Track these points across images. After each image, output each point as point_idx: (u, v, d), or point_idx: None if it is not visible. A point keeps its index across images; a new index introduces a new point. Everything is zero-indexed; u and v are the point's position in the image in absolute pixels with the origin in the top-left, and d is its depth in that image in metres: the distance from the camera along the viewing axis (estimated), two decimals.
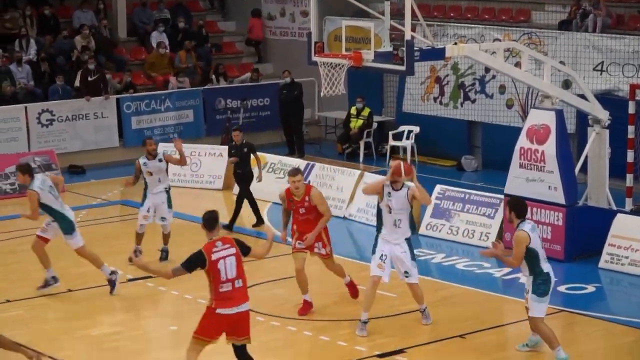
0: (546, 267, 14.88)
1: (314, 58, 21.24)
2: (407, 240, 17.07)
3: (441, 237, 22.84)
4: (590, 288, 19.78)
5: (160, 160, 21.17)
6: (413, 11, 19.75)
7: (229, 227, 23.32)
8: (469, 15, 31.35)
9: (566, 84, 24.12)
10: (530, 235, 14.60)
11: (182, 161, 21.90)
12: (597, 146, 22.02)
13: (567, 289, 19.54)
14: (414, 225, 17.52)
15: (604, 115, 21.81)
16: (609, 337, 17.60)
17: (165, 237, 21.60)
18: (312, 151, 30.52)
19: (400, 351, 16.50)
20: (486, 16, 31.04)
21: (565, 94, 22.45)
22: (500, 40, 25.57)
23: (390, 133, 30.48)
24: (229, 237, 14.47)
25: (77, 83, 31.08)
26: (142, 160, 21.19)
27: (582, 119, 23.46)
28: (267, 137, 31.31)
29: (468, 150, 29.98)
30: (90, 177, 28.91)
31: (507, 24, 30.00)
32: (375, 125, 30.63)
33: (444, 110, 30.16)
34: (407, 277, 17.04)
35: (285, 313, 18.21)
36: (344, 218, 24.62)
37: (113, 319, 18.36)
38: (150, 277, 19.21)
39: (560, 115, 21.21)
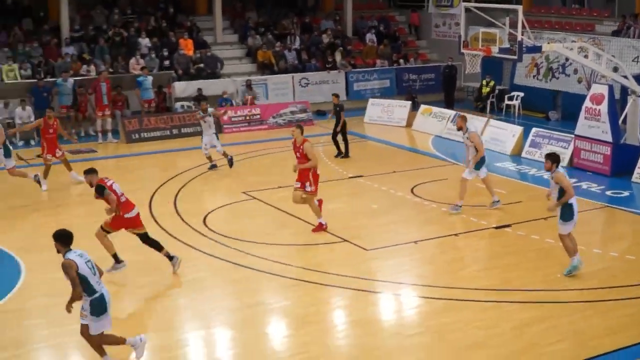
0: (571, 200, 13.37)
1: (462, 50, 21.42)
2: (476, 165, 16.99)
3: (535, 159, 22.20)
4: (626, 193, 19.08)
5: (210, 115, 21.11)
6: (522, 23, 19.63)
7: (346, 154, 22.77)
8: (556, 26, 30.43)
9: (615, 69, 23.12)
10: (566, 173, 13.43)
11: (222, 117, 23.08)
12: (633, 107, 21.34)
13: (611, 193, 18.90)
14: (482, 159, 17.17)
15: (638, 88, 21.13)
16: (636, 223, 17.01)
17: (219, 154, 21.41)
18: (458, 106, 29.97)
19: (507, 225, 16.24)
20: (567, 27, 30.11)
21: (614, 75, 21.76)
22: (575, 41, 24.77)
23: (506, 96, 29.78)
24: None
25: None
26: (200, 114, 21.32)
27: (624, 90, 22.52)
28: (433, 97, 30.81)
29: (553, 108, 29.08)
30: (329, 117, 29.06)
31: (580, 32, 28.96)
32: (497, 91, 29.91)
33: (539, 83, 29.24)
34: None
35: (443, 199, 17.95)
36: None
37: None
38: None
39: (611, 88, 20.81)
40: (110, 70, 27.65)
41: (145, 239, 13.89)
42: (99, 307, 10.03)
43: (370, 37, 33.66)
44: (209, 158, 21.31)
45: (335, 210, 17.51)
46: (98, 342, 10.27)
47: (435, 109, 27.13)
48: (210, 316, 12.39)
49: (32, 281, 13.65)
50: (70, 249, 10.04)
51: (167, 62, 29.00)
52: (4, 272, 14.03)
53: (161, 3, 32.04)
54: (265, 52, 30.75)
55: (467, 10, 22.59)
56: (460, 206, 17.11)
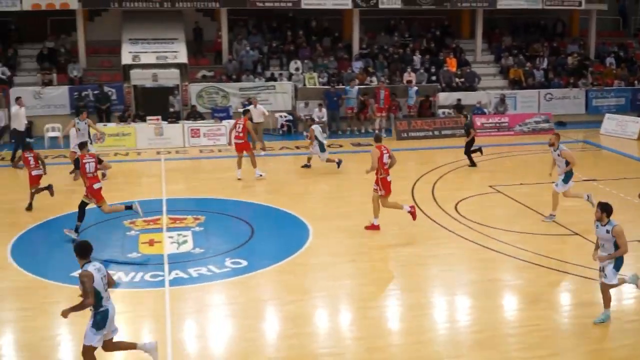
0: None
1: None
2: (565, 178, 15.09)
3: None
4: None
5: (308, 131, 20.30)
6: None
7: (473, 164, 20.80)
8: None
9: None
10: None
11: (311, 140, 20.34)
12: None
13: None
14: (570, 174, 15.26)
15: None
16: None
17: (328, 159, 20.16)
18: None
19: None
20: None
21: None
22: None
23: None
24: (94, 153, 15.12)
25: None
26: (314, 126, 20.33)
27: None
28: None
29: None
30: (568, 127, 27.63)
31: None
32: None
33: None
34: None
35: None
36: None
37: None
38: None
39: None
40: (387, 81, 28.19)
41: (82, 206, 14.37)
42: (101, 322, 8.61)
43: (610, 60, 31.56)
44: (328, 160, 20.32)
45: (570, 207, 16.63)
46: (87, 353, 8.75)
47: None
48: (455, 285, 12.26)
49: (317, 243, 14.23)
50: (90, 261, 8.64)
51: (434, 77, 29.07)
52: (296, 234, 14.73)
53: (432, 28, 32.08)
54: (516, 70, 29.87)
55: None
56: (554, 215, 15.38)
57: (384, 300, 11.65)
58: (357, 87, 27.02)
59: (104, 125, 24.80)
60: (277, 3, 28.07)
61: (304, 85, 27.76)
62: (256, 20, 30.52)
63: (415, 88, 27.61)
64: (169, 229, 14.91)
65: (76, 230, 14.25)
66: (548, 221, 15.38)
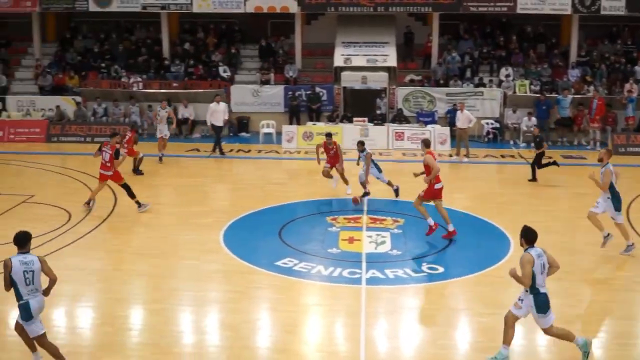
0: (542, 289, 9.21)
1: None
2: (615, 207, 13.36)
3: None
4: None
5: (364, 152, 17.68)
6: None
7: (554, 163, 19.62)
8: None
9: None
10: (535, 259, 9.21)
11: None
12: None
13: None
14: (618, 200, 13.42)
15: None
16: None
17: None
18: None
19: None
20: None
21: None
22: None
23: None
24: (115, 146, 15.93)
25: None
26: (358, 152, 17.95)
27: None
28: None
29: None
30: None
31: None
32: None
33: None
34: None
35: None
36: None
37: None
38: None
39: None
40: (606, 92, 26.62)
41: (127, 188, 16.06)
42: (25, 314, 8.61)
43: None
44: (363, 185, 17.71)
45: None
46: (39, 344, 8.84)
47: None
48: None
49: (518, 256, 13.52)
50: (25, 252, 8.64)
51: None
52: (496, 245, 14.26)
53: None
54: None
55: None
56: (632, 245, 13.58)
57: (588, 324, 10.94)
58: (570, 97, 25.80)
59: (313, 124, 25.66)
60: (492, 7, 27.47)
61: (514, 92, 26.94)
62: (468, 24, 30.09)
63: (633, 96, 25.81)
64: (369, 229, 15.09)
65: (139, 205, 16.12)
66: (626, 254, 13.53)
